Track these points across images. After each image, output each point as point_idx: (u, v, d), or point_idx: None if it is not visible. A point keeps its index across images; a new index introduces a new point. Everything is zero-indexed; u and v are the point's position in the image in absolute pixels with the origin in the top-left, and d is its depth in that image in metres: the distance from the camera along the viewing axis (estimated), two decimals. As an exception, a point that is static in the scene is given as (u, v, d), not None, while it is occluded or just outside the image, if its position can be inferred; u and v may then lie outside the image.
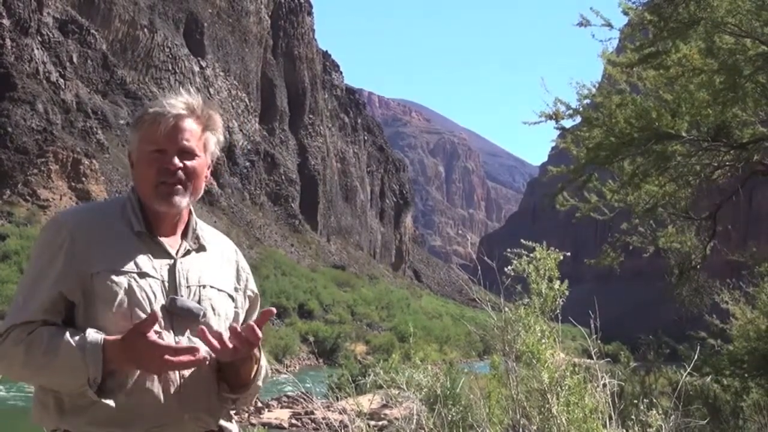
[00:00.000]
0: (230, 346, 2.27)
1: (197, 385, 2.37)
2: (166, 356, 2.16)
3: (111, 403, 2.21)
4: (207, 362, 2.27)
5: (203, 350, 2.25)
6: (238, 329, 2.31)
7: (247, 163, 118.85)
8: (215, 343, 2.26)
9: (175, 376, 2.32)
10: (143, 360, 2.18)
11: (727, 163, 10.43)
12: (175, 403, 2.32)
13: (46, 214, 65.27)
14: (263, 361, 2.53)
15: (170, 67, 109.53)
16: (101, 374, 2.18)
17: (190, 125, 2.44)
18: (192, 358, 2.19)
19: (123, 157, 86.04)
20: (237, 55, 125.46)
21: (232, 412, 2.56)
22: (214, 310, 2.44)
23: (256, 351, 2.40)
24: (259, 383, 2.52)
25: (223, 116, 2.62)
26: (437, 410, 6.08)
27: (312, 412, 21.84)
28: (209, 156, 2.52)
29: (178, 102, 2.44)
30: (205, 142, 2.49)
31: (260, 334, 2.32)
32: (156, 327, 2.25)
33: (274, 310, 2.46)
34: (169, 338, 2.29)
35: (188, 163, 2.42)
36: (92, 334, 2.21)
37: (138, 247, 2.40)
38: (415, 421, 6.09)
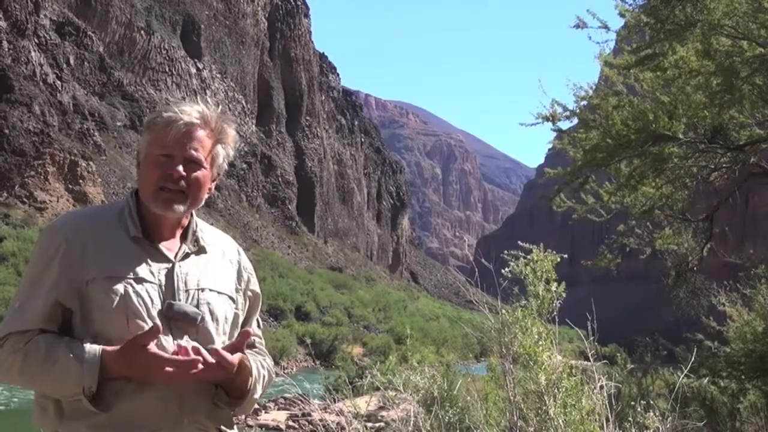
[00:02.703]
0: (200, 368, 2.23)
1: (198, 389, 2.36)
2: (168, 368, 2.17)
3: (105, 411, 2.21)
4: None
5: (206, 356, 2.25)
6: (209, 359, 2.27)
7: (244, 165, 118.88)
8: (183, 374, 2.23)
9: None
10: (145, 371, 2.18)
11: (724, 165, 10.42)
12: (175, 406, 2.31)
13: (43, 216, 65.30)
14: (263, 371, 2.52)
15: (167, 69, 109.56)
16: (96, 383, 2.18)
17: (201, 135, 2.42)
18: (194, 370, 2.19)
19: (120, 159, 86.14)
20: (234, 57, 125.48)
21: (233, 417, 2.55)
22: (212, 314, 2.43)
23: (247, 363, 2.39)
24: (256, 396, 2.50)
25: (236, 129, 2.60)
26: (434, 412, 6.07)
27: (309, 414, 21.81)
28: (216, 169, 2.50)
29: (193, 110, 2.42)
30: (213, 155, 2.46)
31: (232, 360, 2.31)
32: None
33: (250, 331, 2.44)
34: (167, 343, 2.29)
35: (192, 173, 2.40)
36: (90, 346, 2.21)
37: (135, 252, 2.38)
38: (412, 422, 6.09)
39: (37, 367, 2.21)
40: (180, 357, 2.20)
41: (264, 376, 2.53)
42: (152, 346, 2.16)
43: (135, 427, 2.26)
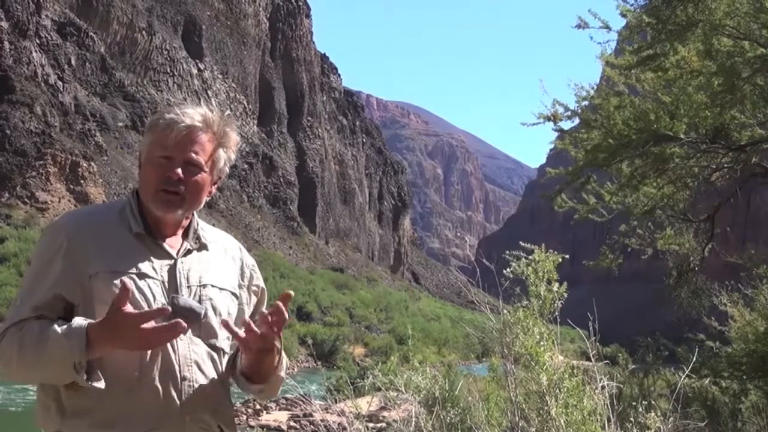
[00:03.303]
0: (258, 331, 2.28)
1: (200, 386, 2.36)
2: (142, 326, 2.11)
3: (101, 385, 2.19)
4: (186, 332, 2.20)
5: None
6: (266, 314, 2.32)
7: (246, 166, 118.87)
8: (240, 333, 2.29)
9: (176, 375, 2.32)
10: (123, 335, 2.13)
11: (726, 165, 10.41)
12: (177, 403, 2.31)
13: (45, 217, 65.32)
14: (283, 353, 2.51)
15: (168, 70, 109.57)
16: (86, 357, 2.16)
17: (203, 139, 2.42)
18: (166, 324, 2.13)
19: (121, 160, 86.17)
20: (235, 58, 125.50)
21: (241, 414, 2.54)
22: (214, 309, 2.44)
23: (277, 343, 2.38)
24: (282, 374, 2.51)
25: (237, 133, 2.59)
26: (436, 412, 6.07)
27: (310, 415, 21.83)
28: (216, 173, 2.50)
29: (195, 113, 2.42)
30: (214, 159, 2.46)
31: (286, 314, 2.32)
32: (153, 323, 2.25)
33: (292, 293, 2.43)
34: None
35: (192, 176, 2.41)
36: (78, 320, 2.19)
37: (137, 249, 2.39)
38: (413, 423, 6.09)
39: (31, 351, 2.21)
40: (150, 310, 2.17)
41: (284, 358, 2.53)
42: (127, 307, 2.11)
43: (136, 425, 2.26)
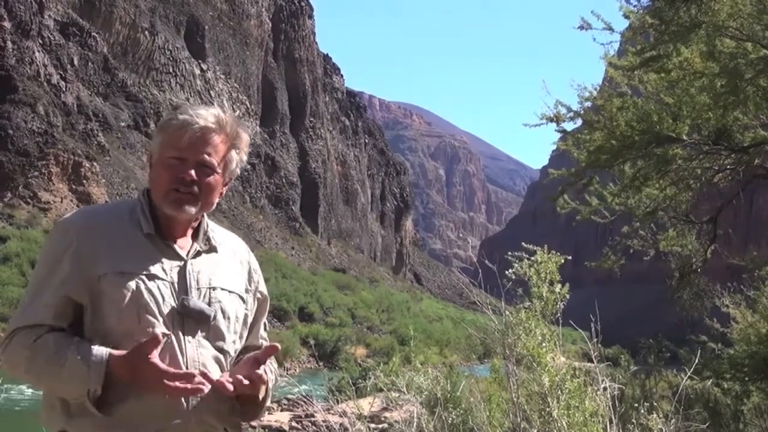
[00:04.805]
0: (231, 389, 2.29)
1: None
2: (165, 381, 2.16)
3: (107, 414, 2.22)
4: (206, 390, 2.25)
5: (212, 375, 2.29)
6: (243, 380, 2.32)
7: (248, 167, 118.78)
8: (216, 386, 2.29)
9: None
10: (143, 380, 2.18)
11: (728, 167, 10.42)
12: (183, 405, 2.31)
13: (47, 217, 65.33)
14: (272, 376, 2.52)
15: (171, 70, 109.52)
16: (101, 387, 2.19)
17: (216, 140, 2.42)
18: (189, 385, 2.19)
19: (124, 160, 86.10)
20: (238, 58, 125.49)
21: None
22: (223, 312, 2.44)
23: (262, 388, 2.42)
24: (267, 403, 2.52)
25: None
26: (437, 413, 6.07)
27: (312, 415, 21.81)
28: (228, 174, 2.50)
29: (209, 114, 2.42)
30: (227, 161, 2.47)
31: (265, 377, 2.36)
32: (163, 329, 2.26)
33: (278, 346, 2.47)
34: (179, 340, 2.31)
35: (205, 177, 2.41)
36: (98, 348, 2.21)
37: (147, 249, 2.39)
38: (415, 424, 6.09)
39: (43, 365, 2.22)
40: (179, 371, 2.20)
41: (273, 380, 2.55)
42: (153, 356, 2.15)
43: (142, 426, 2.27)
